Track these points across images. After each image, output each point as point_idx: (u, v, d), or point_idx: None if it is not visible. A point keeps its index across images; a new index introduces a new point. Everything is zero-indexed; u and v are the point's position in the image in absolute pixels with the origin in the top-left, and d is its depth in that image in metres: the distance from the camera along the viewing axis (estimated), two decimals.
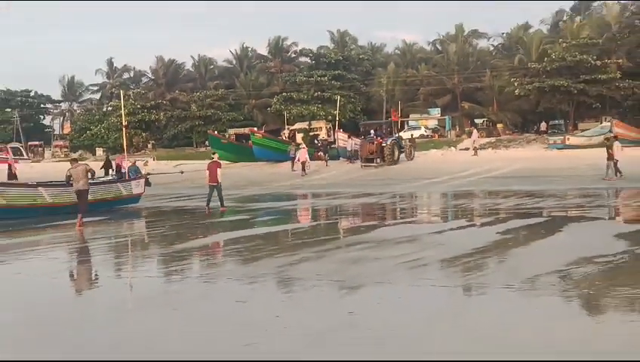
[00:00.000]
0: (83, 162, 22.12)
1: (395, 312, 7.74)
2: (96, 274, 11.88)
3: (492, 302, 8.21)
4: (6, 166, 38.69)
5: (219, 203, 21.52)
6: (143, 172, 27.55)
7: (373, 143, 43.01)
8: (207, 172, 22.48)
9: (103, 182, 24.44)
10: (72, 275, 11.95)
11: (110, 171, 33.74)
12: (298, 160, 40.83)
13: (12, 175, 36.54)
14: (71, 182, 19.37)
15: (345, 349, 6.33)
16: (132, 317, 8.27)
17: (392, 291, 8.82)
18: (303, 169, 39.48)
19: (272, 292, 9.19)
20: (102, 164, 37.45)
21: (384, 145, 42.40)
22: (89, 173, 19.72)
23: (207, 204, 21.75)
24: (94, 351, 6.63)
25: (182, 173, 30.45)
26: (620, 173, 27.72)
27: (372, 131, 46.32)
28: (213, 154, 24.11)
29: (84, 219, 18.17)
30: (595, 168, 29.40)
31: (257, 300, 8.66)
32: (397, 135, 48.82)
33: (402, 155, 44.38)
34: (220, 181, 22.05)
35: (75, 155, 50.43)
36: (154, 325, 7.64)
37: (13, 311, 8.69)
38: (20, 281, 11.05)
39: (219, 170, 22.23)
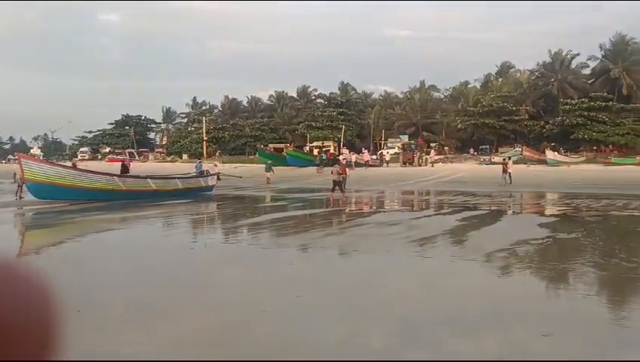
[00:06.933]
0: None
1: (396, 275, 7.05)
2: (185, 239, 11.24)
3: (460, 268, 7.43)
4: (125, 164, 37.67)
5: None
6: (215, 171, 26.66)
7: (409, 155, 47.74)
8: (339, 168, 21.31)
9: (191, 177, 23.71)
10: (168, 239, 11.33)
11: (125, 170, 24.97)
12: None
13: (126, 170, 32.38)
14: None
15: (364, 298, 5.67)
16: (212, 270, 7.56)
17: (392, 259, 8.13)
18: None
19: (310, 258, 8.55)
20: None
21: (415, 156, 47.14)
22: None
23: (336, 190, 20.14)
24: (177, 288, 5.95)
25: (240, 177, 29.67)
26: (510, 181, 26.91)
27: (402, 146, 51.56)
28: (343, 159, 24.85)
29: (180, 201, 17.74)
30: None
31: (301, 263, 8.00)
32: (419, 153, 48.90)
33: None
34: (347, 175, 22.25)
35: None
36: (225, 276, 7.00)
37: (127, 261, 8.09)
38: (133, 241, 10.47)
39: (347, 169, 24.22)
